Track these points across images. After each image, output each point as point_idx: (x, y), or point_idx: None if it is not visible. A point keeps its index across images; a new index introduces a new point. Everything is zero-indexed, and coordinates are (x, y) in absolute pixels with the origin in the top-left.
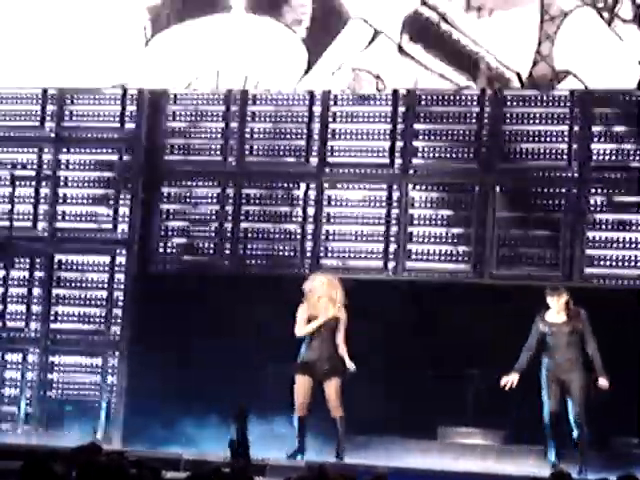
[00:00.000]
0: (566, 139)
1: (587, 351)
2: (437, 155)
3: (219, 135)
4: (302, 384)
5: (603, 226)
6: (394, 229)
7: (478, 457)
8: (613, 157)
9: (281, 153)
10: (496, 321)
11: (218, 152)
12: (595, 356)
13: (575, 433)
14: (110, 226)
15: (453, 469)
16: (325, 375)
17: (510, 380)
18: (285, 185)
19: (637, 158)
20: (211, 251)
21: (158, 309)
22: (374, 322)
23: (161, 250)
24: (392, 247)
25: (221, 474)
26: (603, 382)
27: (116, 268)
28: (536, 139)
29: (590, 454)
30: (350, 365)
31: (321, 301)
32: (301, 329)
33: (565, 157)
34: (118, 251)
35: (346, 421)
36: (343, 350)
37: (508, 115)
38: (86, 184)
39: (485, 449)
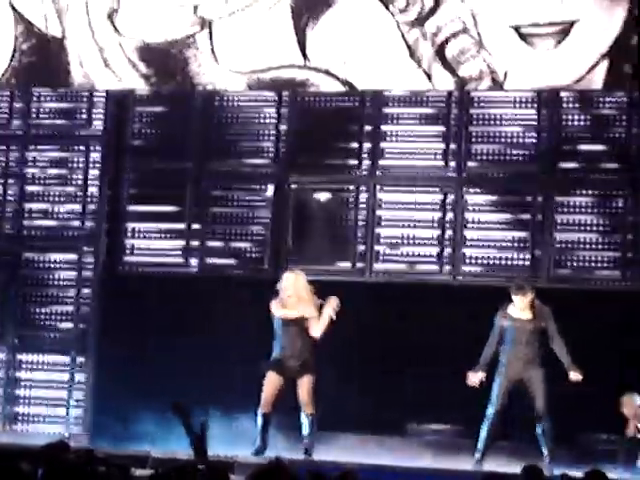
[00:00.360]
0: None
1: (553, 348)
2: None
3: (182, 136)
4: (272, 381)
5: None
6: (361, 232)
7: (449, 454)
8: None
9: (244, 154)
10: (468, 321)
11: (181, 152)
12: (562, 352)
13: (539, 429)
14: (77, 224)
15: (424, 465)
16: (297, 373)
17: (477, 378)
18: (248, 186)
19: None
20: (178, 252)
21: (125, 307)
22: (347, 322)
23: (128, 250)
24: (360, 248)
25: (195, 471)
26: (575, 376)
27: (83, 266)
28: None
29: (557, 450)
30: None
31: (290, 299)
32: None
33: None
34: (85, 249)
35: (318, 418)
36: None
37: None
38: (52, 181)
39: (456, 446)
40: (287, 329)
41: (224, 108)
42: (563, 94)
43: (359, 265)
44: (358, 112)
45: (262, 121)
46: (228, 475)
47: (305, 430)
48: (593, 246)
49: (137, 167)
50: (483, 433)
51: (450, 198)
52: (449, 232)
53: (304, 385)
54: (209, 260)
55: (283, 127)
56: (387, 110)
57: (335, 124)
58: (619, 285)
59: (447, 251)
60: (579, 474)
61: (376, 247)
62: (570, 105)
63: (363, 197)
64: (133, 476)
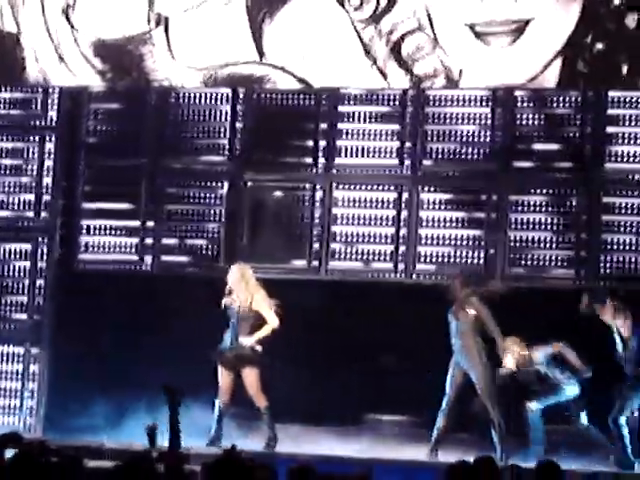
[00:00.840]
0: None
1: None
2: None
3: (137, 133)
4: (222, 373)
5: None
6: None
7: (404, 444)
8: None
9: (199, 151)
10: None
11: (136, 149)
12: (499, 339)
13: (493, 419)
14: (32, 214)
15: (381, 457)
16: (236, 364)
17: None
18: (203, 184)
19: None
20: (133, 248)
21: (80, 303)
22: (302, 320)
23: (83, 247)
24: (315, 246)
25: (151, 462)
26: (505, 362)
27: (38, 257)
28: None
29: (510, 440)
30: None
31: (234, 292)
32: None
33: None
34: (40, 240)
35: (276, 411)
36: (263, 331)
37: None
38: (6, 172)
39: (412, 436)
40: (230, 320)
41: (179, 105)
42: (517, 93)
43: (314, 263)
44: (314, 110)
45: (218, 118)
46: (183, 465)
47: (263, 422)
48: (547, 245)
49: (91, 164)
50: (437, 424)
51: (405, 196)
52: (404, 230)
53: (246, 378)
54: (164, 258)
55: (239, 124)
56: (343, 108)
57: (291, 122)
58: (573, 284)
59: (402, 249)
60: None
61: (332, 245)
62: (524, 104)
63: (318, 195)
64: (87, 467)
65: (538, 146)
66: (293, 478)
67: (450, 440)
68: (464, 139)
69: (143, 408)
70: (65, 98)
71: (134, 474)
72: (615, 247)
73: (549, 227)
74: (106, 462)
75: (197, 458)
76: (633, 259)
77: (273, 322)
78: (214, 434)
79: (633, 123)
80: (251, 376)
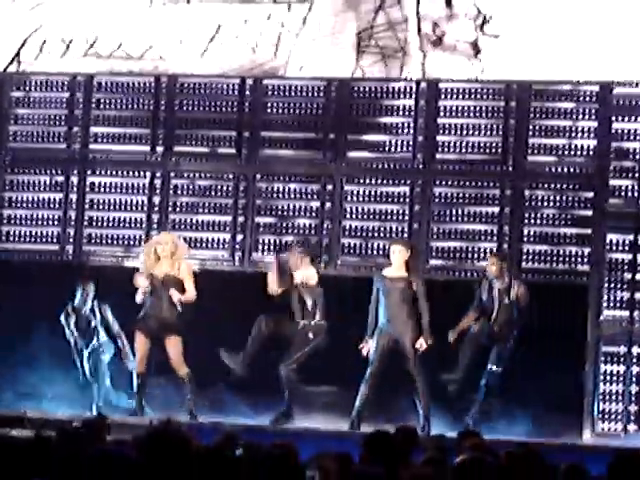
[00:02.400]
0: None
1: (419, 310)
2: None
3: (62, 122)
4: (140, 341)
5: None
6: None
7: (330, 415)
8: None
9: (126, 140)
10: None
11: (62, 139)
12: (425, 316)
13: (418, 389)
14: None
15: (304, 426)
16: (162, 332)
17: (367, 348)
18: (131, 173)
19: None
20: (54, 239)
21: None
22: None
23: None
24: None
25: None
26: (420, 343)
27: None
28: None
29: (434, 411)
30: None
31: (161, 259)
32: (138, 297)
33: None
34: None
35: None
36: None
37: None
38: None
39: (337, 407)
40: (154, 289)
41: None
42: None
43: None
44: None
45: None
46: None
47: (186, 391)
48: (470, 237)
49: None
50: (360, 394)
51: (329, 188)
52: (327, 222)
53: (170, 345)
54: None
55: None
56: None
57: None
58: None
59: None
60: (453, 434)
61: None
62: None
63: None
64: (8, 436)
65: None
66: (220, 447)
67: (375, 410)
68: (392, 131)
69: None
70: None
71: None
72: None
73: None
74: (28, 432)
75: (118, 428)
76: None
77: (192, 294)
78: (137, 405)
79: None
80: (175, 344)
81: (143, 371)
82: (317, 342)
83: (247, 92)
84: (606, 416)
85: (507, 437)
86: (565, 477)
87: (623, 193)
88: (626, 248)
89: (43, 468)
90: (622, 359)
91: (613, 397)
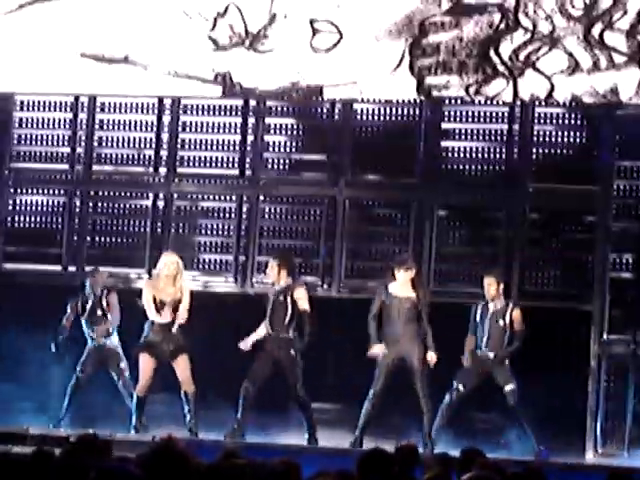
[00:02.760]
0: None
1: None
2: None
3: (66, 142)
4: (146, 364)
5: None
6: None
7: (330, 432)
8: None
9: (129, 162)
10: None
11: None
12: (427, 332)
13: (423, 407)
14: None
15: (304, 444)
16: (172, 355)
17: (376, 352)
18: (133, 194)
19: None
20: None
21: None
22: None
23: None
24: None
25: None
26: (431, 356)
27: None
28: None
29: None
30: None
31: (170, 281)
32: (152, 314)
33: None
34: None
35: (201, 397)
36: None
37: None
38: None
39: (338, 424)
40: (156, 309)
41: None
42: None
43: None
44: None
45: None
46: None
47: (186, 408)
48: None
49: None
50: (363, 412)
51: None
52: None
53: (180, 365)
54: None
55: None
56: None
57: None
58: None
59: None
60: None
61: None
62: None
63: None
64: (11, 453)
65: None
66: (222, 464)
67: (378, 428)
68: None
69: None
70: None
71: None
72: None
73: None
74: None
75: (122, 445)
76: None
77: (185, 316)
78: (135, 423)
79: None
80: (185, 362)
81: (145, 394)
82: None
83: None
84: (609, 435)
85: (510, 456)
86: None
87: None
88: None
89: None
90: (625, 378)
91: (616, 416)
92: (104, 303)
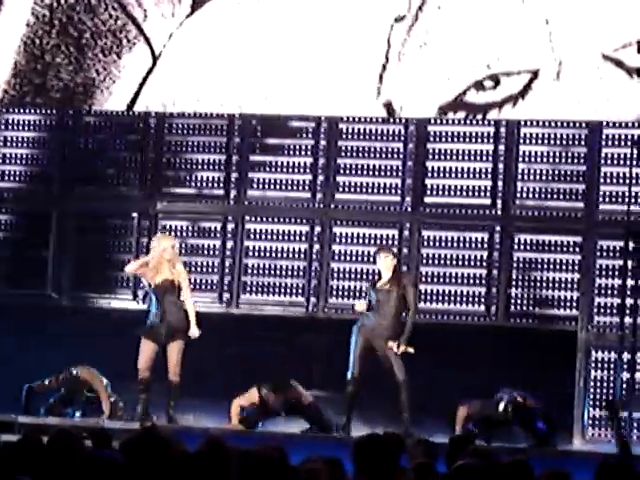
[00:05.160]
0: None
1: (405, 315)
2: None
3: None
4: (146, 348)
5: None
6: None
7: None
8: None
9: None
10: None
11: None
12: (408, 323)
13: (401, 397)
14: None
15: (294, 431)
16: (166, 339)
17: (357, 309)
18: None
19: None
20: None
21: None
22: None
23: None
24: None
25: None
26: (400, 348)
27: None
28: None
29: (416, 417)
30: (193, 331)
31: (162, 263)
32: (129, 266)
33: None
34: None
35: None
36: (190, 310)
37: None
38: None
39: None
40: (156, 295)
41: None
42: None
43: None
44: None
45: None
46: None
47: (171, 397)
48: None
49: None
50: (345, 398)
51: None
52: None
53: (172, 351)
54: None
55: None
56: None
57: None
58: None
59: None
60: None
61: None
62: None
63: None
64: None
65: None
66: (206, 451)
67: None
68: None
69: None
70: None
71: None
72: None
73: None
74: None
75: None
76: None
77: (191, 302)
78: (140, 411)
79: None
80: (178, 349)
81: (148, 378)
82: None
83: (236, 132)
84: (596, 422)
85: (498, 444)
86: None
87: None
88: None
89: (31, 470)
90: (612, 365)
91: (603, 403)
92: None
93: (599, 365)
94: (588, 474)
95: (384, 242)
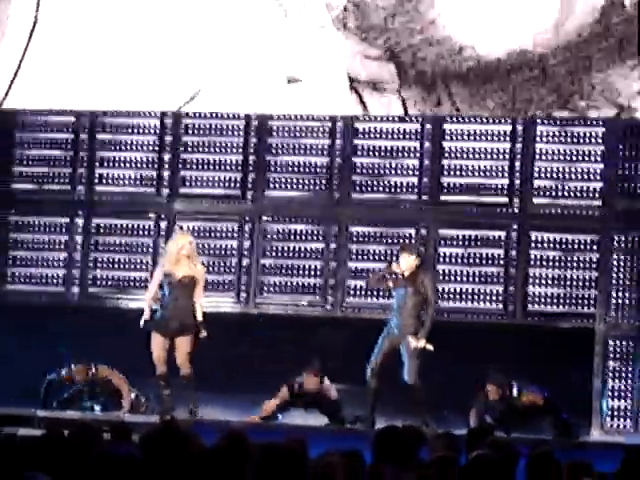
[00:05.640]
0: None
1: (424, 312)
2: None
3: (67, 163)
4: (156, 342)
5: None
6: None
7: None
8: None
9: (131, 182)
10: None
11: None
12: (427, 321)
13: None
14: None
15: (316, 424)
16: (175, 333)
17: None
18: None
19: None
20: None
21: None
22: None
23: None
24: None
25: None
26: (416, 342)
27: None
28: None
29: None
30: (203, 332)
31: (182, 258)
32: (147, 293)
33: None
34: None
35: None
36: (198, 309)
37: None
38: None
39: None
40: (171, 289)
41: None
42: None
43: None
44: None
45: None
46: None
47: (187, 389)
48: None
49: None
50: (368, 393)
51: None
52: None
53: (181, 345)
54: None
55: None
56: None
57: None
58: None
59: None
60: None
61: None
62: None
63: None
64: (18, 436)
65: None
66: (226, 445)
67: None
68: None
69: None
70: None
71: None
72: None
73: None
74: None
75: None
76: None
77: (201, 302)
78: (168, 405)
79: None
80: (187, 343)
81: (165, 372)
82: None
83: (252, 133)
84: (615, 413)
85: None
86: (569, 475)
87: None
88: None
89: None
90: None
91: (622, 394)
92: None
93: (617, 356)
94: (607, 465)
95: (402, 241)
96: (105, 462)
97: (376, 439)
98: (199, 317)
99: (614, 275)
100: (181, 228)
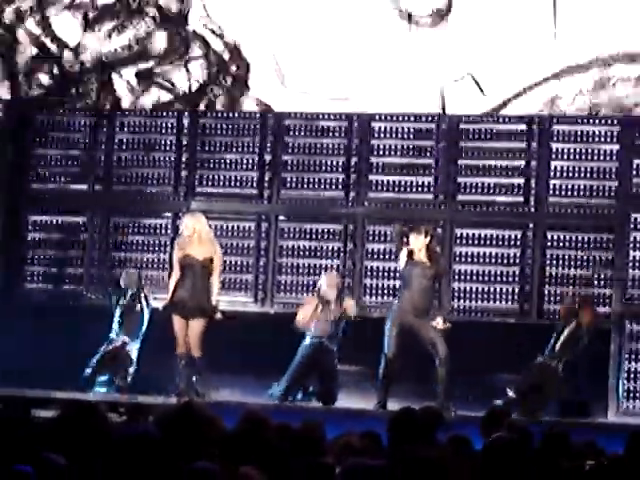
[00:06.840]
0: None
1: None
2: None
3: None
4: (176, 322)
5: None
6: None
7: (356, 394)
8: None
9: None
10: None
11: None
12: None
13: (440, 372)
14: None
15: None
16: (190, 314)
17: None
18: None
19: None
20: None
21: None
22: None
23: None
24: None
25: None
26: (439, 321)
27: None
28: None
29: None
30: (218, 314)
31: (195, 240)
32: (172, 278)
33: None
34: None
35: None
36: (214, 291)
37: None
38: None
39: (363, 387)
40: (188, 270)
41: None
42: None
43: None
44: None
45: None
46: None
47: (195, 371)
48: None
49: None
50: (380, 376)
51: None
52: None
53: (194, 327)
54: None
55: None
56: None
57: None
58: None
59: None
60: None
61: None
62: None
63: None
64: (34, 417)
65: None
66: (246, 426)
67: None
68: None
69: None
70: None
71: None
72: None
73: None
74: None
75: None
76: None
77: (217, 286)
78: (183, 387)
79: None
80: (200, 326)
81: (185, 352)
82: None
83: (269, 131)
84: (631, 394)
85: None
86: (582, 456)
87: None
88: None
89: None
90: None
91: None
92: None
93: (633, 338)
94: (623, 446)
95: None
96: (122, 441)
97: (393, 421)
98: (214, 299)
99: (630, 272)
100: (190, 211)
